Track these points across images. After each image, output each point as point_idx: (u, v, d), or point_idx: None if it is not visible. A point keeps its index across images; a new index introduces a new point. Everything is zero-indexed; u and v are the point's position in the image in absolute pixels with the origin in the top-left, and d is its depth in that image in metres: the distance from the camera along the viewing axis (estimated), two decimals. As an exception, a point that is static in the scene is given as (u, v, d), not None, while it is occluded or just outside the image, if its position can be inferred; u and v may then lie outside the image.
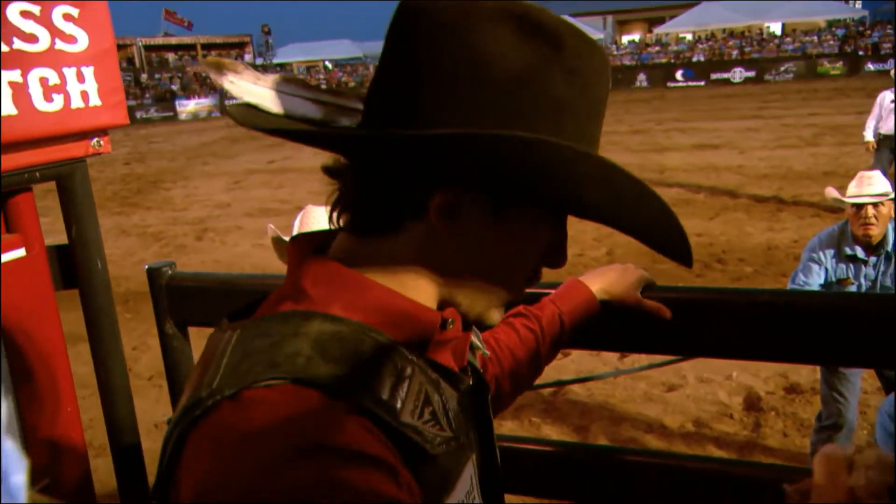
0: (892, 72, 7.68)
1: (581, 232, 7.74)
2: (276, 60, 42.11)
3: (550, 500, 1.43)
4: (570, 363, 4.55)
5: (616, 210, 0.64)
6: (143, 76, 34.73)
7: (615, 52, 34.86)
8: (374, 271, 0.67)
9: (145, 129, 25.84)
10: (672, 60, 31.38)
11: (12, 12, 1.17)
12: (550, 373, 4.57)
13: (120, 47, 38.94)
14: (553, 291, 1.18)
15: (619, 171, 0.63)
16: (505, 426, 3.90)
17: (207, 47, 42.81)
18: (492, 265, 0.69)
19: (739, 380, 4.29)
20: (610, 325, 1.23)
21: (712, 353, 1.29)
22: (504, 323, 1.10)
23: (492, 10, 0.61)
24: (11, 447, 0.43)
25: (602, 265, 1.29)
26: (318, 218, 2.74)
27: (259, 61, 42.41)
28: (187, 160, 16.14)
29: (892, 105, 7.37)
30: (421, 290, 0.68)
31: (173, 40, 42.00)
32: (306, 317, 0.63)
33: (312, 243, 0.72)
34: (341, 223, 0.70)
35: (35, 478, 1.41)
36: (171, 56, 41.20)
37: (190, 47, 42.43)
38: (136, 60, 38.88)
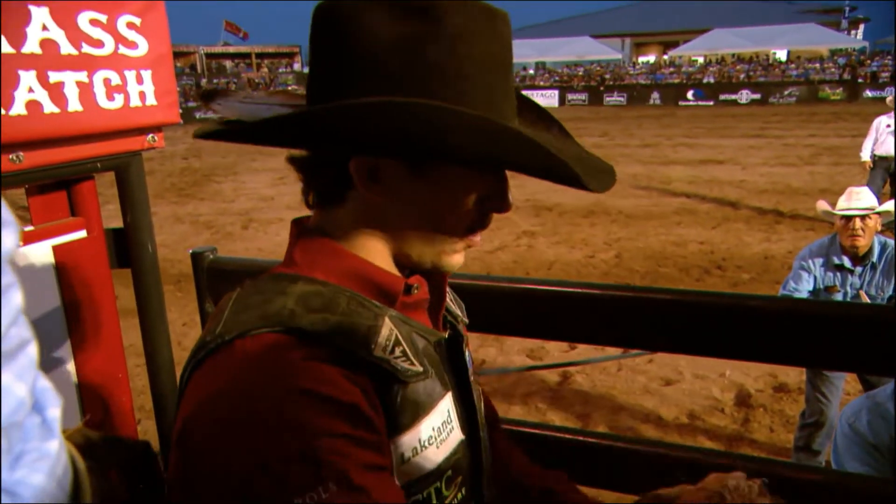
0: (889, 98, 7.55)
1: (592, 236, 7.71)
2: (321, 70, 42.17)
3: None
4: (577, 355, 4.53)
5: (488, 153, 0.65)
6: (203, 81, 35.13)
7: (632, 72, 34.50)
8: (339, 238, 0.72)
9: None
10: (684, 81, 30.99)
11: (83, 20, 1.18)
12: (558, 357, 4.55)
13: (184, 55, 39.46)
14: None
15: (481, 120, 0.64)
16: (513, 411, 3.90)
17: (261, 56, 43.15)
18: (428, 217, 0.71)
19: (732, 378, 4.24)
20: (612, 323, 1.23)
21: (705, 351, 1.27)
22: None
23: None
24: (46, 385, 0.45)
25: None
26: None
27: (306, 70, 42.62)
28: (237, 157, 16.30)
29: (888, 129, 7.30)
30: (376, 250, 0.73)
31: (231, 49, 42.35)
32: (293, 279, 0.69)
33: (303, 221, 0.77)
34: (310, 201, 0.75)
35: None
36: (228, 63, 41.58)
37: (245, 56, 42.78)
38: (198, 67, 39.32)
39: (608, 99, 30.95)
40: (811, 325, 1.12)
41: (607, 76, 33.94)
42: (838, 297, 3.17)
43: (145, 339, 1.50)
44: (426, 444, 0.70)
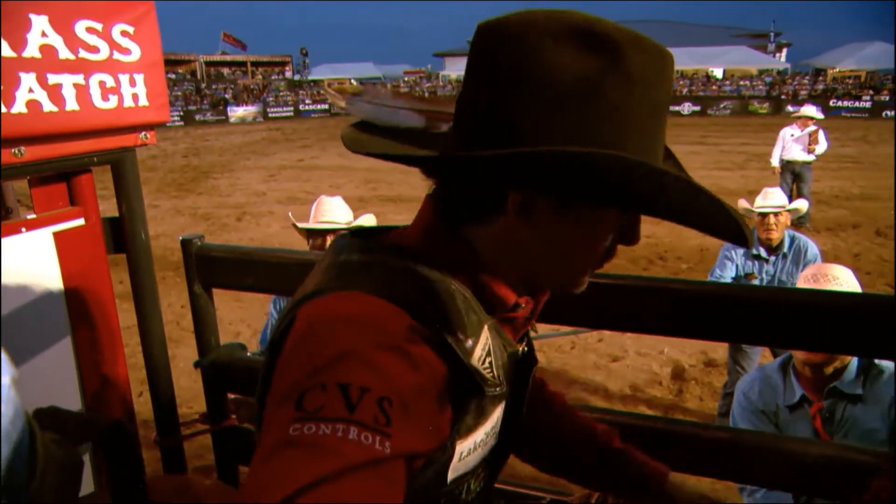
0: (796, 114, 7.79)
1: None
2: (310, 77, 41.67)
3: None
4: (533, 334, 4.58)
5: (664, 206, 0.61)
6: (203, 86, 34.42)
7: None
8: (476, 250, 0.67)
9: (202, 129, 25.65)
10: (635, 94, 31.21)
11: (80, 28, 1.16)
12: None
13: (185, 62, 38.62)
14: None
15: (664, 174, 0.57)
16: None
17: (256, 64, 42.40)
18: (564, 250, 0.66)
19: (669, 354, 4.33)
20: (567, 305, 1.23)
21: (642, 329, 1.26)
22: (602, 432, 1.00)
23: (554, 31, 0.57)
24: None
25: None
26: (329, 206, 2.74)
27: (297, 77, 42.03)
28: (233, 156, 16.04)
29: (792, 137, 7.57)
30: (507, 269, 0.68)
31: (228, 58, 41.51)
32: (415, 259, 0.64)
33: (440, 204, 0.69)
34: (443, 209, 0.68)
35: (86, 404, 1.42)
36: (226, 70, 40.78)
37: (241, 64, 41.98)
38: (198, 73, 38.49)
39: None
40: (723, 305, 1.15)
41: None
42: (756, 282, 3.27)
43: (139, 317, 1.48)
44: (477, 446, 0.68)
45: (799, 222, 7.15)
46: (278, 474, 0.46)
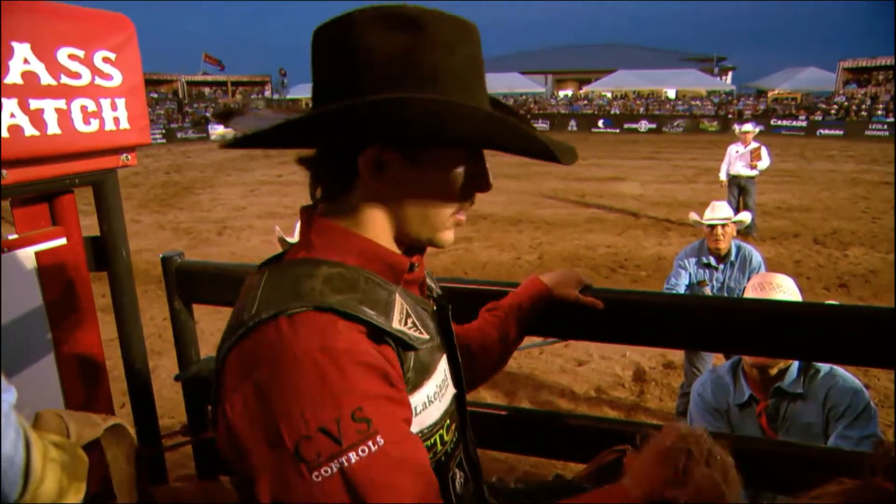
0: (737, 130, 8.02)
1: (519, 241, 7.81)
2: (289, 96, 41.28)
3: (484, 449, 1.43)
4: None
5: (479, 135, 0.65)
6: (185, 105, 33.84)
7: (553, 103, 35.14)
8: (348, 222, 0.71)
9: (184, 146, 25.17)
10: (595, 112, 31.69)
11: (62, 55, 1.14)
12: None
13: (167, 82, 37.92)
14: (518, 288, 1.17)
15: (474, 110, 0.64)
16: (451, 388, 3.90)
17: (236, 84, 41.87)
18: (424, 199, 0.70)
19: (631, 357, 4.37)
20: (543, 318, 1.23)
21: (604, 338, 1.26)
22: (479, 315, 1.12)
23: (366, 17, 0.65)
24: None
25: (535, 268, 1.29)
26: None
27: (276, 96, 41.67)
28: (214, 172, 15.77)
29: (737, 154, 7.80)
30: (381, 231, 0.72)
31: (209, 78, 40.91)
32: (316, 263, 0.67)
33: (311, 209, 0.75)
34: (318, 195, 0.74)
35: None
36: (206, 90, 40.19)
37: (222, 84, 41.43)
38: (180, 93, 37.85)
39: (534, 125, 31.31)
40: (670, 315, 1.17)
41: (533, 106, 34.48)
42: (707, 290, 3.35)
43: (120, 332, 1.45)
44: (432, 399, 0.71)
45: (746, 232, 7.34)
46: None
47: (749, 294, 1.98)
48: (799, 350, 1.18)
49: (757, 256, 3.36)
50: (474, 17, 0.70)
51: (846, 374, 1.76)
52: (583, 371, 4.24)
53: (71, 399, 1.37)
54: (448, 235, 0.74)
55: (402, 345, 0.67)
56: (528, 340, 4.45)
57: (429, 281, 0.87)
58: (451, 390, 0.78)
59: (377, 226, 0.71)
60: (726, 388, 1.91)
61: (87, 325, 1.39)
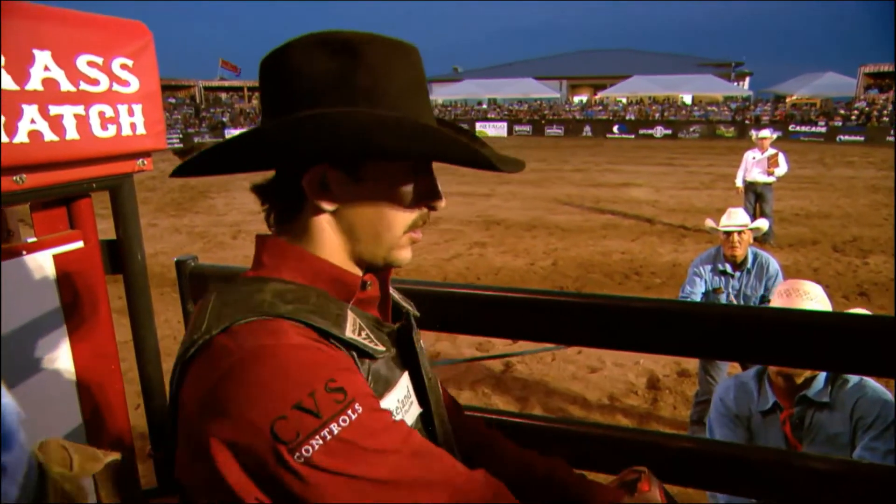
0: (754, 136, 7.92)
1: (533, 247, 7.79)
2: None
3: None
4: (518, 348, 4.57)
5: (408, 146, 0.64)
6: (201, 110, 34.32)
7: (568, 109, 35.07)
8: (300, 244, 0.70)
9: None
10: (610, 117, 31.54)
11: (81, 62, 1.16)
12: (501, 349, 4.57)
13: (185, 87, 38.53)
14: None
15: (401, 119, 0.63)
16: (463, 396, 3.89)
17: (252, 89, 42.37)
18: (373, 216, 0.69)
19: (644, 365, 4.32)
20: (549, 322, 1.23)
21: (616, 345, 1.26)
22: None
23: (303, 43, 0.65)
24: (5, 402, 0.42)
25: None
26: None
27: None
28: (229, 176, 15.83)
29: (754, 160, 7.71)
30: (333, 251, 0.70)
31: (226, 83, 41.49)
32: (265, 281, 0.67)
33: (266, 236, 0.74)
34: (271, 221, 0.73)
35: (85, 418, 1.39)
36: (223, 95, 40.74)
37: (238, 89, 41.98)
38: (197, 98, 38.41)
39: (548, 131, 31.35)
40: (685, 322, 1.16)
41: (547, 111, 34.44)
42: (722, 297, 3.30)
43: (135, 336, 1.47)
44: (394, 413, 0.68)
45: (764, 239, 7.25)
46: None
47: (775, 301, 1.95)
48: (824, 362, 1.16)
49: (774, 264, 3.31)
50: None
51: (876, 385, 1.72)
52: (595, 378, 4.21)
53: (86, 400, 1.39)
54: (403, 254, 0.72)
55: (357, 351, 0.65)
56: (538, 345, 4.43)
57: (400, 302, 0.85)
58: (416, 409, 0.76)
59: (330, 245, 0.70)
60: (750, 395, 1.89)
61: (102, 326, 1.41)
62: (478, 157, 0.65)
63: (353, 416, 0.54)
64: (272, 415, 0.52)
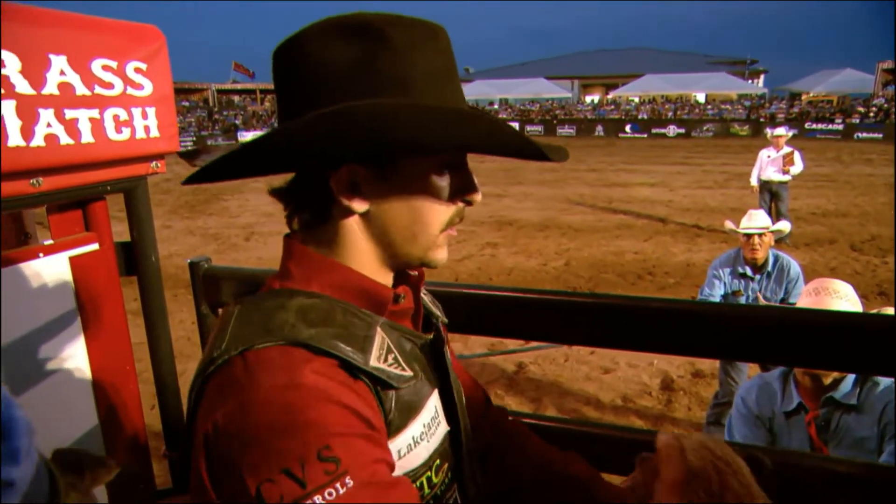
0: (769, 134, 7.82)
1: (545, 247, 7.77)
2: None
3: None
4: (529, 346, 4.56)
5: (454, 139, 0.58)
6: (214, 112, 34.67)
7: (580, 108, 34.91)
8: (330, 252, 0.66)
9: (214, 154, 25.75)
10: (623, 117, 31.36)
11: (96, 66, 1.18)
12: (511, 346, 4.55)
13: (199, 90, 38.97)
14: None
15: (430, 109, 0.58)
16: (475, 395, 3.89)
17: (264, 91, 42.75)
18: (408, 216, 0.65)
19: (658, 366, 4.30)
20: (562, 322, 1.22)
21: (632, 346, 1.23)
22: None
23: (318, 29, 0.61)
24: (16, 415, 0.40)
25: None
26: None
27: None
28: (242, 179, 16.04)
29: (769, 159, 7.63)
30: (366, 259, 0.66)
31: (238, 86, 41.89)
32: (290, 294, 0.63)
33: (294, 238, 0.70)
34: (294, 226, 0.70)
35: (101, 418, 1.41)
36: (236, 98, 41.12)
37: (251, 92, 42.37)
38: (210, 101, 38.82)
39: (560, 130, 31.24)
40: (701, 323, 1.14)
41: (559, 111, 34.32)
42: (742, 300, 3.26)
43: (150, 337, 1.48)
44: (419, 440, 0.66)
45: (779, 238, 7.16)
46: None
47: (803, 300, 1.92)
48: (851, 363, 1.13)
49: (795, 267, 3.26)
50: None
51: None
52: (609, 379, 4.19)
53: (101, 400, 1.41)
54: (440, 254, 0.68)
55: (381, 383, 0.61)
56: (567, 350, 4.41)
57: (431, 308, 0.80)
58: (444, 428, 0.72)
59: (360, 253, 0.66)
60: (773, 395, 1.86)
61: (117, 327, 1.42)
62: (530, 145, 0.60)
63: (341, 491, 0.51)
64: (262, 475, 0.51)
